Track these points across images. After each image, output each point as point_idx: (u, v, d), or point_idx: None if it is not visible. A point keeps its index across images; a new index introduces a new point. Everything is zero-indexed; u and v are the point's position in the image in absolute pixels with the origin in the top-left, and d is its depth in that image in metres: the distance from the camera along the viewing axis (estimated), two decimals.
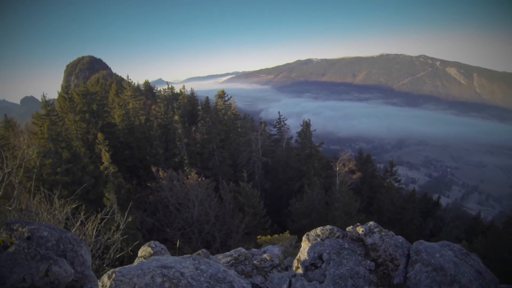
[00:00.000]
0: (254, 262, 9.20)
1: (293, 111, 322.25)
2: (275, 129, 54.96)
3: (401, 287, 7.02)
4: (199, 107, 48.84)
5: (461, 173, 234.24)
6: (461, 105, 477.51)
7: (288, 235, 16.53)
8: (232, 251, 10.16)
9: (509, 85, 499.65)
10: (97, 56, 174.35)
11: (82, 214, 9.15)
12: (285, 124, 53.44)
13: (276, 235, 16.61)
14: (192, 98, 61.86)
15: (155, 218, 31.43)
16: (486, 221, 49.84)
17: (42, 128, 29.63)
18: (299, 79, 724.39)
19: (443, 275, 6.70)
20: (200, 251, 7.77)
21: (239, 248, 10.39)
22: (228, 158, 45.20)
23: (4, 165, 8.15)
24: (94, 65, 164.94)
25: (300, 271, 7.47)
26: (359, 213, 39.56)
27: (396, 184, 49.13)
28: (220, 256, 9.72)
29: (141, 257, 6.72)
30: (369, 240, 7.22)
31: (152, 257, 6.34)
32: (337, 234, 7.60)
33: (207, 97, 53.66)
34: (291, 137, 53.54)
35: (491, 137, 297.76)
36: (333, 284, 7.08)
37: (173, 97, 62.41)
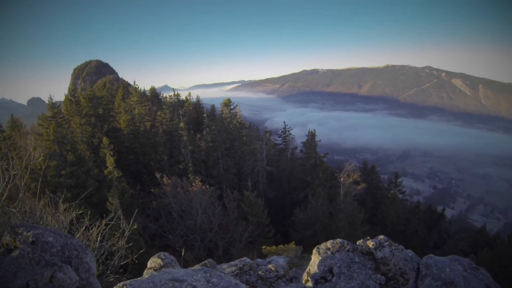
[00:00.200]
0: (259, 272, 9.11)
1: (298, 121, 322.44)
2: (280, 138, 54.91)
3: None
4: (205, 115, 48.87)
5: (466, 184, 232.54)
6: (466, 117, 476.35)
7: (294, 245, 16.39)
8: (237, 261, 10.05)
9: None
10: (105, 60, 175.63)
11: (86, 219, 9.05)
12: (290, 134, 53.41)
13: (281, 246, 16.48)
14: (197, 106, 61.95)
15: (158, 224, 31.33)
16: (491, 234, 49.28)
17: (48, 130, 29.65)
18: (304, 89, 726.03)
19: None
20: (206, 261, 7.65)
21: (244, 258, 10.28)
22: (233, 166, 45.09)
23: (10, 166, 8.08)
24: (101, 69, 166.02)
25: (309, 284, 7.33)
26: (363, 224, 39.40)
27: (400, 196, 48.99)
28: (225, 265, 9.61)
29: (150, 268, 6.61)
30: (379, 254, 7.09)
31: (162, 269, 6.24)
32: (348, 248, 7.47)
33: (213, 105, 53.73)
34: (296, 147, 53.48)
35: (496, 149, 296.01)
36: None
37: (179, 104, 62.53)
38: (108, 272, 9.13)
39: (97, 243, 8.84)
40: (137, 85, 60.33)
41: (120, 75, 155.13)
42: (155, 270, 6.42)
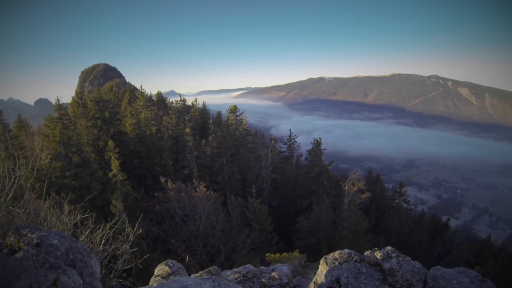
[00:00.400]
0: (263, 280, 9.04)
1: (303, 129, 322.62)
2: (285, 146, 54.80)
3: None
4: (210, 121, 48.93)
5: (471, 194, 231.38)
6: (472, 126, 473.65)
7: (298, 254, 16.29)
8: (240, 268, 9.99)
9: None
10: (112, 64, 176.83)
11: (90, 222, 9.03)
12: (296, 141, 53.32)
13: (285, 254, 16.38)
14: (203, 111, 62.04)
15: (161, 228, 31.29)
16: (496, 245, 48.86)
17: (54, 131, 29.74)
18: (310, 97, 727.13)
19: None
20: (211, 268, 7.62)
21: (248, 265, 10.22)
22: (237, 173, 45.07)
23: (17, 167, 8.09)
24: (109, 73, 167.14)
25: None
26: (367, 233, 39.20)
27: (405, 205, 48.78)
28: (228, 272, 9.56)
29: (158, 275, 6.57)
30: (386, 265, 7.01)
31: (170, 277, 6.19)
32: (355, 258, 7.39)
33: (219, 111, 53.77)
34: (301, 155, 53.41)
35: (503, 159, 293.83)
36: None
37: (185, 109, 62.60)
38: (112, 275, 9.08)
39: (101, 246, 8.80)
40: (143, 89, 60.57)
41: (127, 79, 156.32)
42: (162, 277, 6.37)
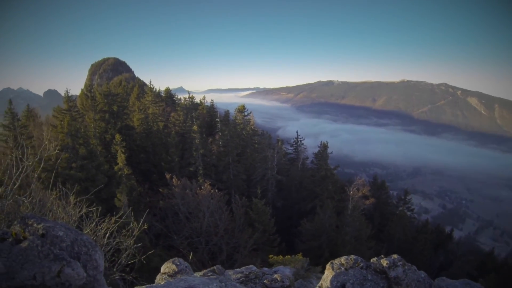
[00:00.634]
0: (265, 281, 9.00)
1: (310, 132, 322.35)
2: (292, 148, 54.80)
3: None
4: (218, 119, 48.97)
5: (476, 206, 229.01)
6: (480, 136, 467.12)
7: (301, 257, 16.25)
8: (243, 268, 9.96)
9: None
10: (122, 59, 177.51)
11: (95, 215, 9.04)
12: (302, 144, 53.26)
13: (288, 256, 16.34)
14: (211, 109, 62.15)
15: (164, 224, 31.29)
16: (499, 258, 48.52)
17: (62, 122, 29.87)
18: (319, 100, 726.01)
19: None
20: (215, 267, 7.59)
21: (250, 266, 10.20)
22: (243, 173, 45.07)
23: (25, 157, 8.11)
24: (118, 67, 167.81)
25: None
26: (369, 240, 39.10)
27: (409, 213, 48.63)
28: (230, 272, 9.53)
29: (164, 273, 6.55)
30: (392, 273, 6.95)
31: (177, 275, 6.17)
32: (361, 265, 7.34)
33: (228, 110, 53.84)
34: (307, 158, 53.36)
35: (510, 171, 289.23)
36: None
37: (193, 107, 62.70)
38: (114, 269, 9.09)
39: (105, 239, 8.81)
40: (152, 85, 60.83)
41: (136, 74, 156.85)
42: (169, 275, 6.35)
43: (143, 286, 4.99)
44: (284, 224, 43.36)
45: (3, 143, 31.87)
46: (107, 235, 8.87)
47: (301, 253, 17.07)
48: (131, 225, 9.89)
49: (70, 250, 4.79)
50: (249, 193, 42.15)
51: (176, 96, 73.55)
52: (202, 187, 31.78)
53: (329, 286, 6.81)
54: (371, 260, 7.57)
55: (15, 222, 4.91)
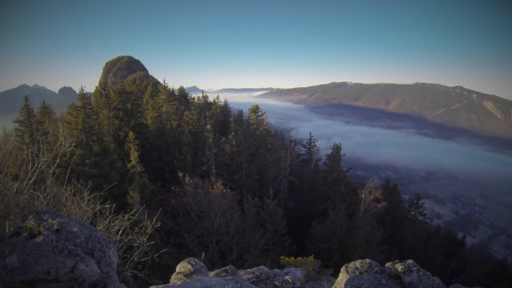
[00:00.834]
0: (276, 282, 8.98)
1: (323, 133, 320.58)
2: (305, 149, 54.61)
3: None
4: (231, 119, 48.95)
5: (490, 213, 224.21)
6: (496, 141, 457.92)
7: (312, 259, 16.19)
8: (254, 269, 9.95)
9: None
10: (136, 57, 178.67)
11: (108, 211, 9.09)
12: (315, 145, 53.07)
13: (300, 258, 16.29)
14: (225, 109, 62.27)
15: (175, 222, 31.39)
16: None
17: (77, 119, 30.15)
18: (332, 101, 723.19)
19: None
20: (227, 267, 7.59)
21: (262, 267, 10.19)
22: (255, 173, 45.04)
23: (40, 152, 8.19)
24: (132, 65, 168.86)
25: None
26: (380, 244, 38.80)
27: (421, 218, 48.13)
28: (242, 272, 9.53)
29: (179, 273, 6.56)
30: (407, 279, 6.89)
31: (192, 275, 6.18)
32: (376, 269, 7.29)
33: (241, 110, 53.86)
34: (320, 159, 53.15)
35: None
36: None
37: (206, 106, 62.84)
38: (127, 266, 9.14)
39: (118, 236, 8.85)
40: (166, 83, 61.00)
41: (150, 73, 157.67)
42: (184, 275, 6.35)
43: (159, 286, 5.00)
44: (295, 225, 43.23)
45: (19, 139, 32.28)
46: (120, 232, 8.92)
47: (312, 255, 17.00)
48: (144, 223, 9.93)
49: (84, 246, 4.82)
50: (261, 194, 42.11)
51: (189, 95, 73.72)
52: (214, 186, 31.89)
53: None
54: (386, 265, 7.51)
55: (30, 217, 4.95)
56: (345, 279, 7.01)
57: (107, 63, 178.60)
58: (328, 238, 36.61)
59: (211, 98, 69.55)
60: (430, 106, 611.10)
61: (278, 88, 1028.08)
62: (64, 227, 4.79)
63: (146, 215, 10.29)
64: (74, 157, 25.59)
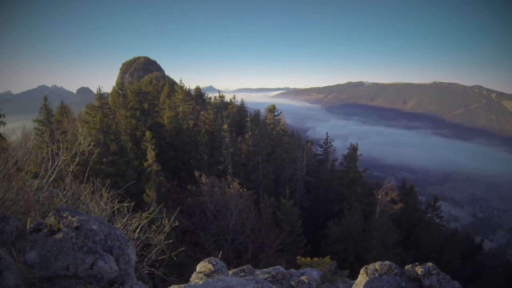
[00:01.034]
0: (292, 283, 8.98)
1: (340, 133, 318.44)
2: (321, 149, 54.43)
3: None
4: (248, 118, 48.97)
5: (509, 216, 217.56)
6: None
7: (328, 260, 16.12)
8: (270, 269, 9.97)
9: None
10: (152, 58, 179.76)
11: (126, 210, 9.18)
12: (332, 145, 52.83)
13: (316, 258, 16.22)
14: (241, 109, 62.34)
15: (191, 221, 31.50)
16: None
17: (94, 118, 30.50)
18: (348, 101, 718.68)
19: None
20: (245, 267, 7.62)
21: (278, 267, 10.20)
22: (272, 172, 44.96)
23: (60, 151, 8.30)
24: (149, 66, 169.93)
25: None
26: (396, 246, 38.40)
27: (437, 221, 47.34)
28: (258, 271, 9.55)
29: (200, 272, 6.59)
30: (426, 282, 6.82)
31: (213, 275, 6.21)
32: (395, 271, 7.24)
33: (258, 110, 53.83)
34: (336, 159, 52.85)
35: None
36: None
37: (223, 106, 63.02)
38: (144, 264, 9.22)
39: (136, 234, 8.94)
40: (183, 83, 61.27)
41: (167, 73, 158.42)
42: (205, 275, 6.39)
43: (181, 285, 5.04)
44: (311, 226, 43.06)
45: (39, 137, 32.83)
46: (137, 230, 9.00)
47: (329, 256, 16.91)
48: (162, 221, 10.02)
49: (104, 243, 4.88)
50: (277, 193, 42.03)
51: (206, 95, 74.02)
52: (230, 185, 31.92)
53: None
54: (406, 267, 7.46)
55: (50, 214, 5.02)
56: (365, 281, 6.97)
57: (123, 64, 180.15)
58: (344, 239, 36.41)
59: (227, 98, 69.83)
60: (448, 106, 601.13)
61: (294, 88, 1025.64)
62: (84, 224, 4.85)
63: (164, 214, 10.36)
64: (94, 156, 25.88)
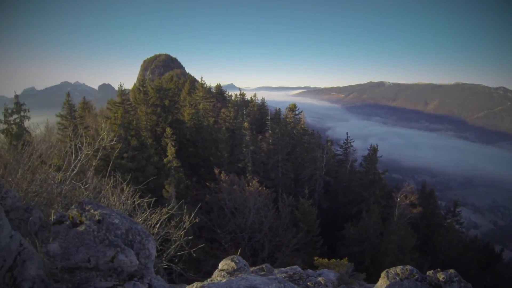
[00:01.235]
0: (308, 283, 8.94)
1: (360, 133, 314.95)
2: (341, 149, 54.11)
3: None
4: (268, 117, 48.95)
5: None
6: None
7: (346, 261, 16.04)
8: (287, 268, 9.95)
9: None
10: (173, 55, 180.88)
11: (146, 205, 9.28)
12: (352, 145, 52.50)
13: (333, 260, 16.15)
14: (262, 107, 62.35)
15: (208, 217, 31.65)
16: None
17: (116, 114, 30.87)
18: (369, 101, 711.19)
19: None
20: (263, 266, 7.63)
21: (295, 267, 10.18)
22: (291, 172, 44.94)
23: (84, 146, 8.44)
24: (169, 63, 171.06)
25: None
26: (413, 251, 37.82)
27: (457, 227, 46.28)
28: (276, 271, 9.52)
29: (222, 270, 6.61)
30: None
31: (236, 273, 6.23)
32: (417, 277, 7.16)
33: (279, 108, 53.74)
34: (356, 160, 52.48)
35: None
36: None
37: (243, 104, 63.09)
38: (163, 259, 9.30)
39: (156, 229, 9.02)
40: (203, 81, 61.51)
41: (187, 70, 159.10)
42: (228, 272, 6.41)
43: (205, 282, 5.07)
44: (328, 226, 42.78)
45: (61, 132, 33.42)
46: (157, 226, 9.09)
47: (346, 258, 16.80)
48: (183, 217, 10.09)
49: (125, 237, 4.93)
50: (296, 193, 41.94)
51: (226, 93, 74.15)
52: (250, 183, 31.99)
53: None
54: (427, 273, 7.38)
55: (73, 206, 5.10)
56: (385, 285, 6.91)
57: (144, 61, 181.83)
58: (361, 241, 36.10)
59: (248, 96, 69.81)
60: (471, 108, 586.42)
61: (315, 87, 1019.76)
62: (106, 218, 4.91)
63: (185, 210, 10.42)
64: (116, 151, 26.18)
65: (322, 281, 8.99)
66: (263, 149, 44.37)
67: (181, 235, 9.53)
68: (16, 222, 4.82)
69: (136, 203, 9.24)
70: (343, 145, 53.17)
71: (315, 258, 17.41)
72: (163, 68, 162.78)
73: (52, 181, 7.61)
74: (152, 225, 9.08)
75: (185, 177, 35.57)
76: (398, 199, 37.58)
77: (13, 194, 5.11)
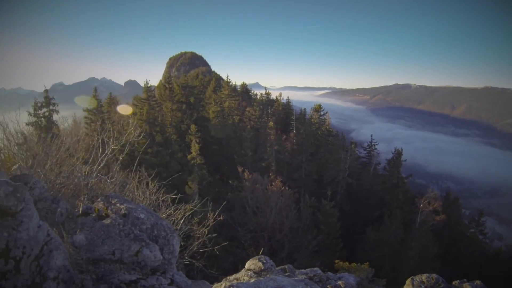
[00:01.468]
0: (328, 286, 8.87)
1: (384, 136, 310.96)
2: (365, 152, 53.59)
3: None
4: (293, 117, 48.82)
5: None
6: None
7: (367, 266, 15.86)
8: (308, 270, 9.89)
9: None
10: (199, 53, 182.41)
11: (169, 201, 9.37)
12: (376, 148, 51.94)
13: (354, 264, 15.98)
14: (287, 107, 62.18)
15: (230, 215, 31.72)
16: None
17: (141, 110, 31.25)
18: (395, 104, 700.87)
19: None
20: (286, 266, 7.61)
21: (316, 268, 10.11)
22: (315, 173, 44.72)
23: (111, 140, 8.56)
24: (195, 61, 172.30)
25: None
26: (434, 259, 37.09)
27: (480, 237, 45.08)
28: (296, 272, 9.48)
29: (249, 270, 6.63)
30: None
31: (263, 273, 6.25)
32: (442, 286, 7.07)
33: (304, 109, 53.53)
34: (379, 163, 51.91)
35: None
36: None
37: (269, 103, 63.09)
38: (185, 255, 9.36)
39: (179, 225, 9.09)
40: (229, 79, 61.65)
41: (213, 68, 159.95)
42: (255, 272, 6.43)
43: (233, 282, 5.10)
44: (348, 230, 42.28)
45: (88, 126, 34.06)
46: (181, 222, 9.15)
47: (367, 263, 16.60)
48: (208, 214, 10.16)
49: (150, 232, 4.98)
50: (318, 194, 41.67)
51: (252, 92, 74.15)
52: (273, 183, 31.96)
53: None
54: (453, 282, 7.28)
55: (99, 199, 5.17)
56: None
57: (170, 58, 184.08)
58: (381, 246, 35.55)
59: (273, 95, 69.72)
60: (500, 114, 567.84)
61: (340, 88, 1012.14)
62: (131, 212, 4.97)
63: (210, 207, 10.49)
64: (138, 145, 26.50)
65: (342, 285, 8.94)
66: (287, 149, 44.29)
67: (204, 232, 9.59)
68: (43, 212, 4.90)
69: (161, 199, 9.33)
70: (367, 147, 52.63)
71: (336, 261, 17.28)
72: (189, 65, 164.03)
73: (79, 174, 7.74)
74: (176, 221, 9.16)
75: (208, 174, 35.75)
76: (421, 205, 36.95)
77: (41, 184, 5.19)
